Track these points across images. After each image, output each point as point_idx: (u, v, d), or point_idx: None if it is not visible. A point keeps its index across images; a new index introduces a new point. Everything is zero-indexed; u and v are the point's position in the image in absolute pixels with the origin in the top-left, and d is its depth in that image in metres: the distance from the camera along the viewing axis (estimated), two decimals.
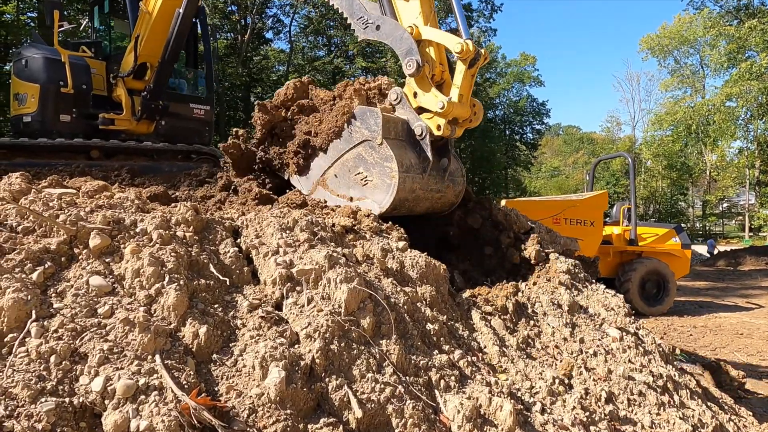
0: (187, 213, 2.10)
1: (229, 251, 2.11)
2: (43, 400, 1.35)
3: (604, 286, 3.63)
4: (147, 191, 3.03)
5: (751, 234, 41.85)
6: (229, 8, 31.98)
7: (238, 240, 2.27)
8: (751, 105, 36.69)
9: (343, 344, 1.90)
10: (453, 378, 2.14)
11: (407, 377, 1.99)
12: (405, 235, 2.94)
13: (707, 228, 50.28)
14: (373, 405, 1.78)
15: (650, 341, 3.28)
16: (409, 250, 2.75)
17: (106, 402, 1.41)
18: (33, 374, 1.41)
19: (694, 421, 2.81)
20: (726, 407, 3.59)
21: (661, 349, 3.28)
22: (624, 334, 3.16)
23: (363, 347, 1.95)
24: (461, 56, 3.35)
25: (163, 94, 6.90)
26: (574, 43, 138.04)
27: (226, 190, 3.68)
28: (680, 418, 2.71)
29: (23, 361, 1.43)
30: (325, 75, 34.55)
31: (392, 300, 2.26)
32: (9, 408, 1.30)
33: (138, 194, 2.34)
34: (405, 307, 2.30)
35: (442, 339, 2.34)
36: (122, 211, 2.03)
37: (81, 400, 1.41)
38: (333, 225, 2.59)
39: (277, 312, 1.94)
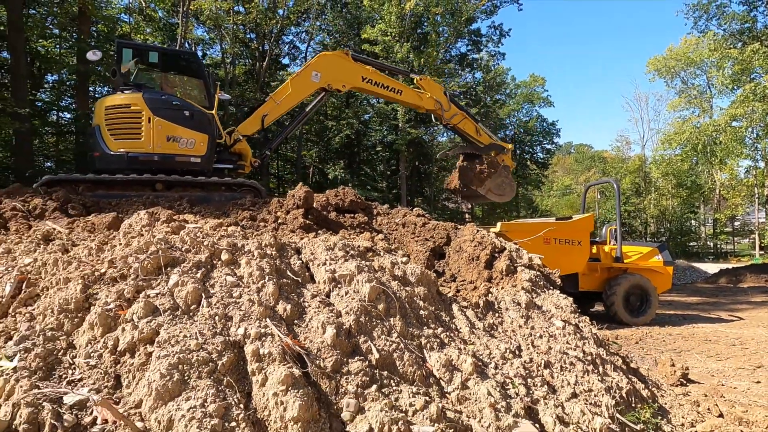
0: (270, 239, 3.40)
1: (296, 263, 3.40)
2: (217, 336, 2.64)
3: (558, 292, 4.84)
4: (228, 221, 4.35)
5: (762, 252, 42.21)
6: (248, 36, 33.74)
7: (301, 255, 3.56)
8: (757, 125, 37.44)
9: (367, 318, 3.16)
10: (436, 343, 3.39)
11: (406, 340, 3.25)
12: (408, 254, 4.22)
13: (718, 246, 50.59)
14: (384, 352, 3.04)
15: (588, 331, 4.47)
16: (410, 263, 4.03)
17: (246, 340, 2.69)
18: (208, 325, 2.71)
19: (611, 384, 3.98)
20: (650, 383, 4.74)
21: (596, 336, 4.47)
22: (567, 324, 4.35)
23: (379, 321, 3.22)
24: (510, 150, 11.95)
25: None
26: (585, 62, 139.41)
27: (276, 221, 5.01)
28: (599, 380, 3.89)
29: (202, 318, 2.73)
30: (338, 98, 36.14)
31: (397, 294, 3.52)
32: (203, 339, 2.59)
33: (235, 223, 3.66)
34: (406, 299, 3.56)
35: (430, 320, 3.59)
36: (234, 238, 3.33)
37: (233, 339, 2.70)
38: (359, 246, 3.88)
39: (327, 299, 3.22)
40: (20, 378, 2.36)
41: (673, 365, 6.06)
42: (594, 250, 10.87)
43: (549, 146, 55.17)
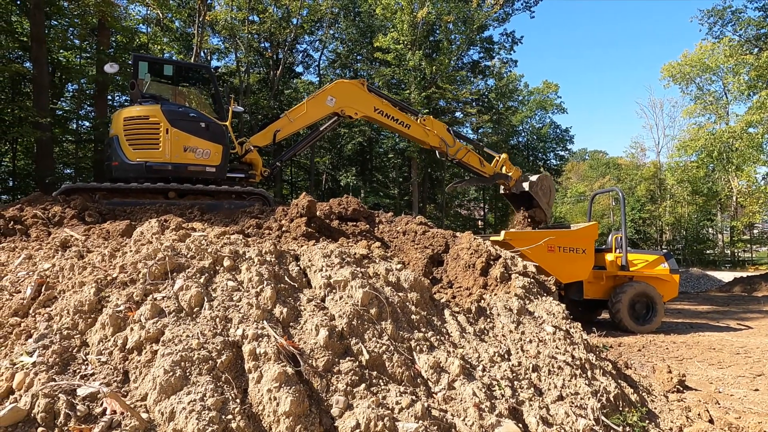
0: (270, 246, 3.62)
1: (294, 269, 3.62)
2: (217, 337, 2.87)
3: (552, 298, 4.98)
4: (232, 229, 4.60)
5: None
6: (262, 45, 34.27)
7: (299, 262, 3.78)
8: None
9: (359, 322, 3.36)
10: (425, 346, 3.57)
11: (396, 343, 3.44)
12: (403, 261, 4.41)
13: (736, 254, 49.77)
14: (374, 354, 3.23)
15: (578, 336, 4.61)
16: (404, 270, 4.22)
17: (244, 340, 2.91)
18: (209, 326, 2.93)
19: (598, 388, 4.11)
20: (640, 388, 4.86)
21: (586, 342, 4.60)
22: (557, 330, 4.50)
23: (370, 324, 3.41)
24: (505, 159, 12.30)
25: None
26: (599, 69, 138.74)
27: (280, 229, 5.25)
28: (586, 384, 4.03)
29: (204, 320, 2.96)
30: None
31: (390, 299, 3.72)
32: (204, 339, 2.82)
33: (239, 231, 3.90)
34: (398, 304, 3.76)
35: (421, 324, 3.77)
36: (236, 245, 3.56)
37: (232, 339, 2.92)
38: (355, 253, 4.08)
39: (322, 303, 3.43)
40: (38, 372, 2.60)
41: (669, 372, 6.14)
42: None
43: (562, 153, 54.93)
